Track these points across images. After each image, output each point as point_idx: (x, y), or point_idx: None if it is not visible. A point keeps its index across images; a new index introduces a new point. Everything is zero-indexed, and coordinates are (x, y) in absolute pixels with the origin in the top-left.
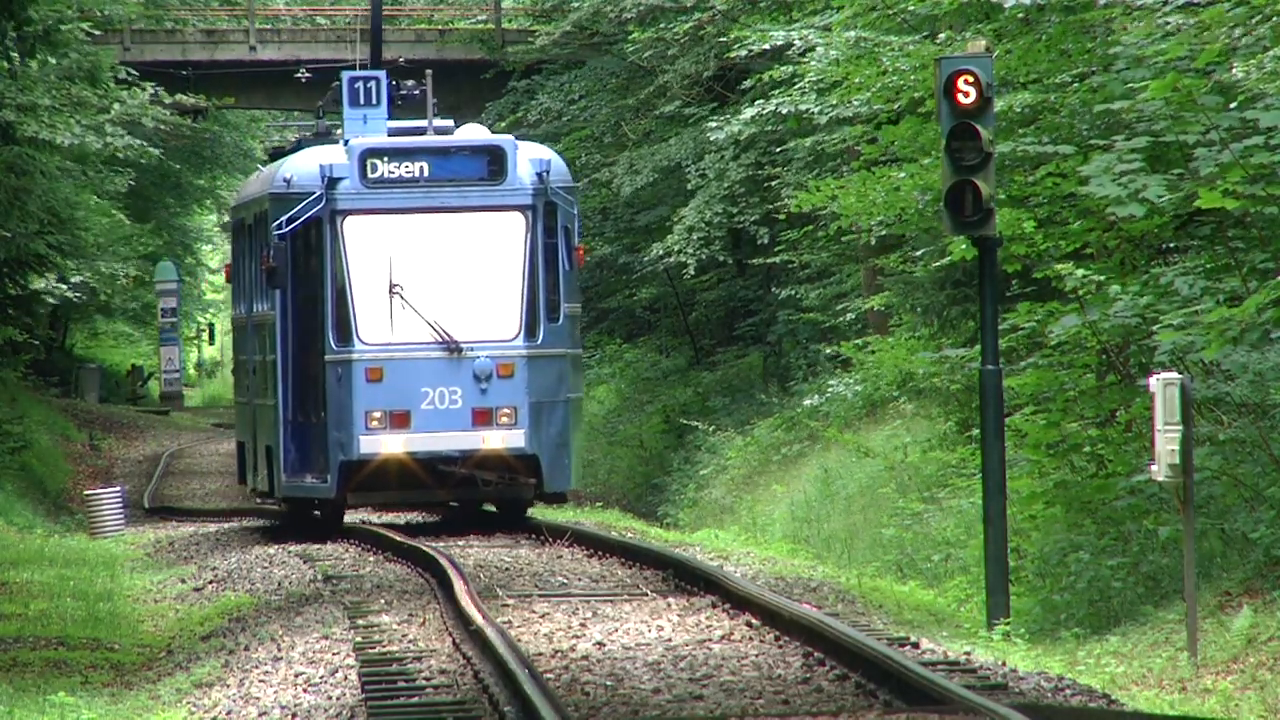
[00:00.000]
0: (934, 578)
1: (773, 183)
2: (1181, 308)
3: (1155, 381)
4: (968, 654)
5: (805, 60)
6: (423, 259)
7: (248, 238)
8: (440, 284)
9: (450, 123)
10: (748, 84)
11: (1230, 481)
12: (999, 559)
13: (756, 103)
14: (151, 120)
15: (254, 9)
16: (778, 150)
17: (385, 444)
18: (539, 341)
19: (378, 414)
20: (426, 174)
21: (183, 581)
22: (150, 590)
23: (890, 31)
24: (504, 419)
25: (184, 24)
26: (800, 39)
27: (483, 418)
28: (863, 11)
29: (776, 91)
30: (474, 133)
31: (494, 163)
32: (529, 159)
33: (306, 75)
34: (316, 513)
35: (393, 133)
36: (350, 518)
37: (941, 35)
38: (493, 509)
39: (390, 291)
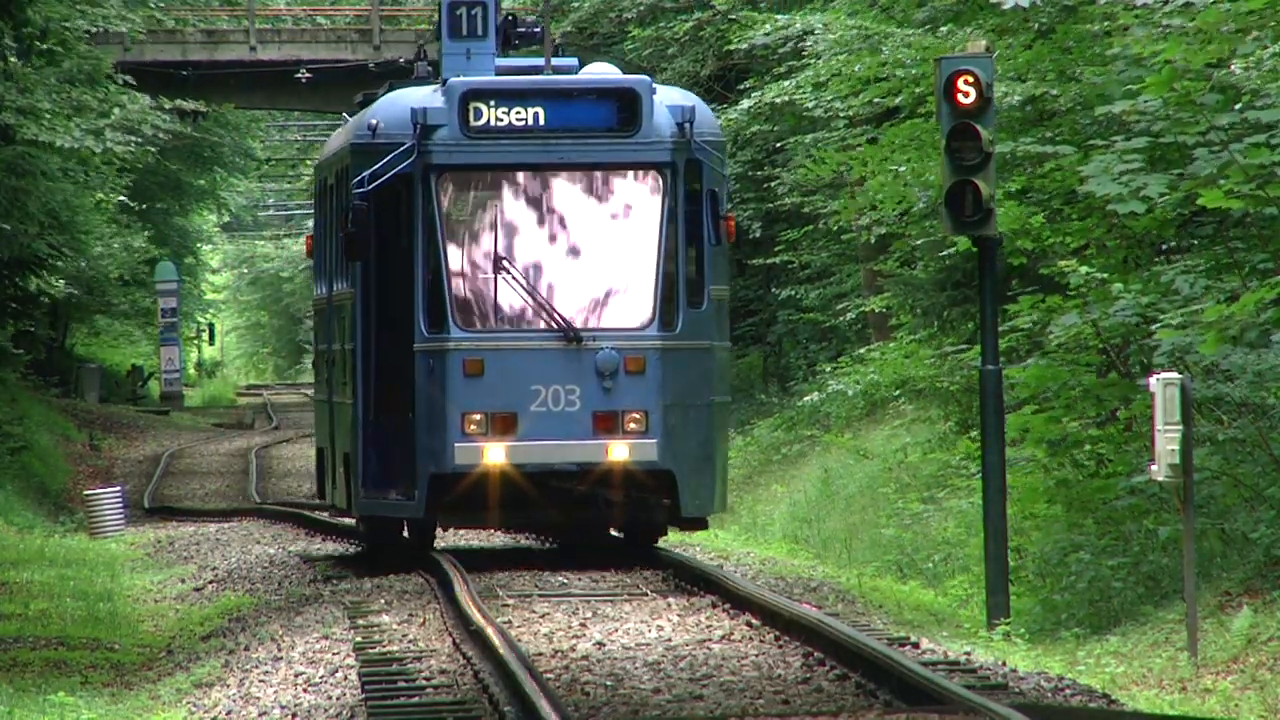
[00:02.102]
0: (934, 578)
1: (771, 182)
2: (1182, 307)
3: (1155, 381)
4: (968, 654)
5: (806, 45)
6: (535, 227)
7: (329, 202)
8: (556, 258)
9: (574, 61)
10: (746, 84)
11: (1230, 481)
12: (999, 559)
13: (754, 94)
14: (150, 128)
15: (254, 9)
16: (777, 146)
17: (486, 453)
18: (677, 331)
19: (477, 416)
20: (542, 121)
21: (183, 581)
22: (150, 590)
23: (891, 24)
24: (632, 425)
25: (184, 24)
26: (801, 22)
27: (606, 423)
28: (862, 9)
29: (774, 85)
30: (601, 72)
31: (625, 109)
32: (668, 105)
33: (306, 75)
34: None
35: (501, 71)
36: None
37: (943, 29)
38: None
39: (495, 266)
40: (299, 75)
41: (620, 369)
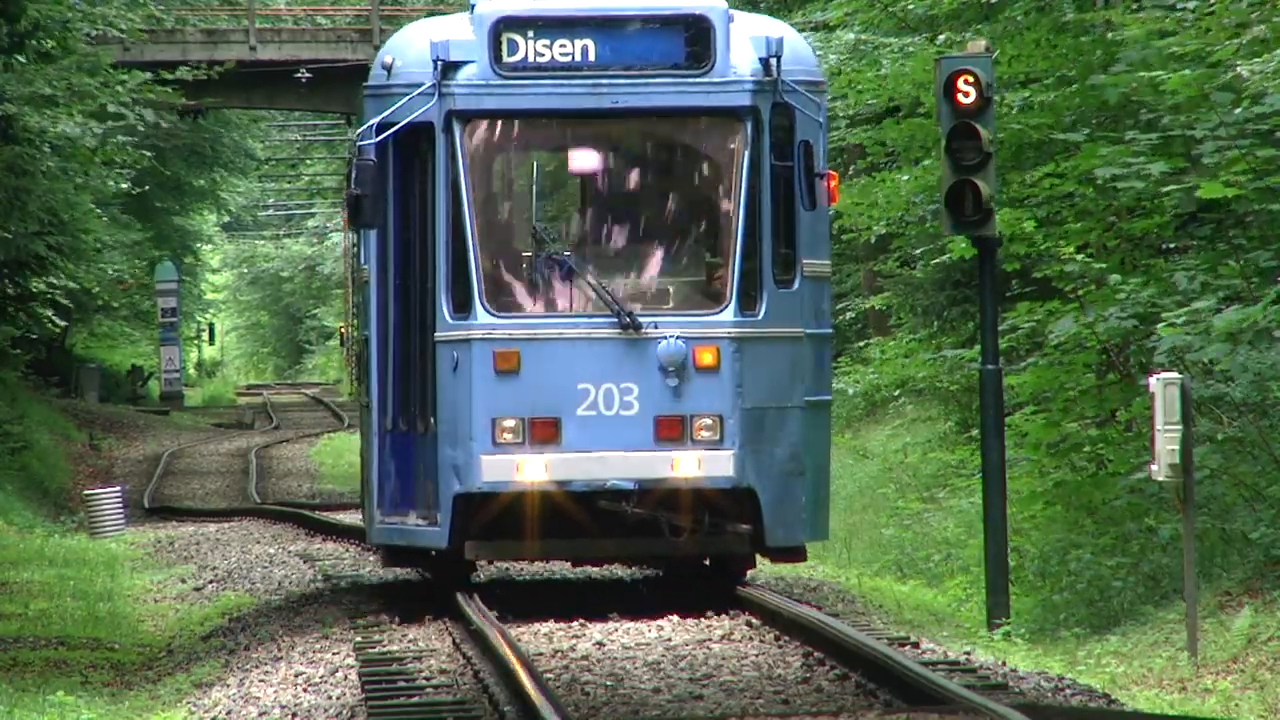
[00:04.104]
0: (934, 578)
1: None
2: (1182, 305)
3: (1155, 381)
4: (968, 654)
5: None
6: (583, 187)
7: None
8: (609, 226)
9: None
10: None
11: (1231, 481)
12: (999, 559)
13: None
14: (153, 114)
15: (254, 9)
16: None
17: (521, 468)
18: (760, 316)
19: (511, 423)
20: (592, 57)
21: (183, 581)
22: (150, 590)
23: (889, 32)
24: (704, 433)
25: (184, 24)
26: None
27: (671, 430)
28: (862, 8)
29: None
30: None
31: (696, 41)
32: (750, 37)
33: (306, 75)
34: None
35: None
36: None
37: (941, 36)
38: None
39: (533, 236)
40: (299, 75)
41: (689, 363)
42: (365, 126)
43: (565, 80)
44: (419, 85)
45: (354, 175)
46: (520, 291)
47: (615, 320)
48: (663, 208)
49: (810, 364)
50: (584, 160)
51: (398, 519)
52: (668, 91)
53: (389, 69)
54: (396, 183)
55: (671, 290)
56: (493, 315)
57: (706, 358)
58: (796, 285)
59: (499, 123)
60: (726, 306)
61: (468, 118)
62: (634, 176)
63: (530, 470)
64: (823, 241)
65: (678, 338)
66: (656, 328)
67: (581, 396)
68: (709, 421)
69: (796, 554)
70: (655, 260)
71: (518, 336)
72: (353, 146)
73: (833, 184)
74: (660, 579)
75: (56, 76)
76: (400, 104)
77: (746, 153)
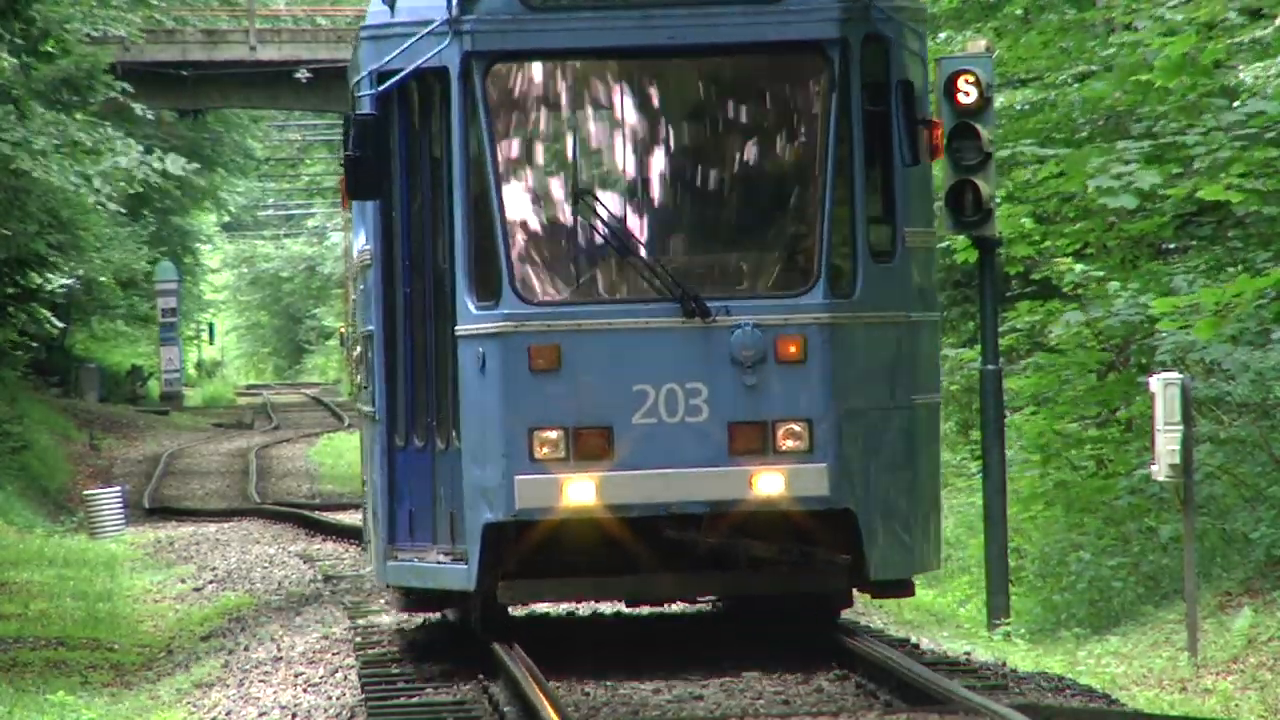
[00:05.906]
0: (934, 578)
1: None
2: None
3: (1155, 381)
4: (968, 654)
5: None
6: (634, 143)
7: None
8: (667, 189)
9: None
10: None
11: (1231, 480)
12: (999, 559)
13: None
14: (142, 175)
15: (254, 9)
16: None
17: (567, 490)
18: (854, 297)
19: (552, 434)
20: None
21: (183, 581)
22: (150, 590)
23: None
24: (789, 442)
25: (184, 24)
26: None
27: (749, 440)
28: None
29: None
30: None
31: None
32: None
33: (307, 75)
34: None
35: None
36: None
37: (942, 35)
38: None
39: (574, 204)
40: (299, 75)
41: (769, 355)
42: (364, 74)
43: (609, 12)
44: (429, 22)
45: (351, 135)
46: (559, 273)
47: (678, 305)
48: (732, 167)
49: (917, 355)
50: (634, 110)
51: (413, 555)
52: (736, 23)
53: (392, 3)
54: (403, 142)
55: (745, 268)
56: (525, 303)
57: (791, 349)
58: (897, 259)
59: (529, 65)
60: (814, 286)
61: (491, 60)
62: (696, 129)
63: (576, 492)
64: (927, 204)
65: (755, 325)
66: (729, 314)
67: (638, 400)
68: (796, 428)
69: (903, 589)
70: (725, 232)
71: (557, 328)
72: (349, 87)
73: (938, 133)
74: (732, 614)
75: (54, 120)
76: (406, 46)
77: (834, 96)
